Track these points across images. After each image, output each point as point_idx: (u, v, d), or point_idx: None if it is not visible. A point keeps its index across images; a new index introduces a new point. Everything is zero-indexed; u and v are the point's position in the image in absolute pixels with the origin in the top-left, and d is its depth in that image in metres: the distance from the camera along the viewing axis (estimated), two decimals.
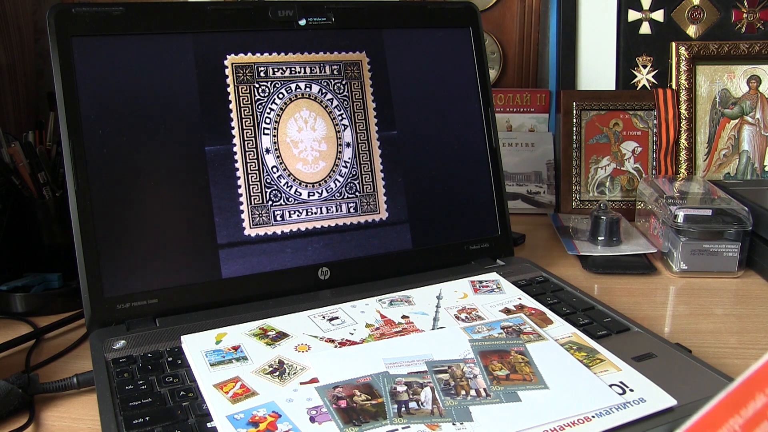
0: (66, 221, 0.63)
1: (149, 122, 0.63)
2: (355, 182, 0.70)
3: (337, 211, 0.68)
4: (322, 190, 0.68)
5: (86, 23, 0.61)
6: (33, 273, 0.74)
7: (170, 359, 0.55)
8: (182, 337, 0.57)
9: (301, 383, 0.50)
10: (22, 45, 1.02)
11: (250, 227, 0.65)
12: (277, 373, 0.51)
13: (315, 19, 0.70)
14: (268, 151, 0.67)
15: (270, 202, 0.66)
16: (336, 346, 0.55)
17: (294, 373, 0.51)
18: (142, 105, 0.63)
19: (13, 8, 1.00)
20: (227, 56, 0.66)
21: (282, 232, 0.67)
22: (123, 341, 0.57)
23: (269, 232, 0.66)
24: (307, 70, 0.69)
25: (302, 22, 0.70)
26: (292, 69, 0.68)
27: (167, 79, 0.64)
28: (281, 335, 0.57)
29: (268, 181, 0.67)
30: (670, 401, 0.48)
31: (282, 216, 0.67)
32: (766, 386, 0.32)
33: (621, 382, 0.50)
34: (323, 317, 0.60)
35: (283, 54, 0.68)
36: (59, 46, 0.60)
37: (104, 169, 0.61)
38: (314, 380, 0.50)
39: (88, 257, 0.60)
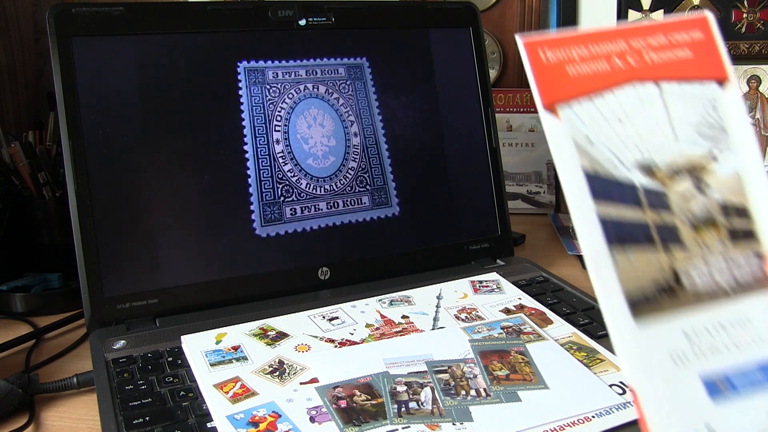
0: (66, 221, 0.63)
1: (149, 122, 0.63)
2: (365, 176, 0.70)
3: (351, 205, 0.69)
4: (332, 185, 0.69)
5: (86, 23, 0.61)
6: (33, 273, 0.74)
7: (170, 359, 0.55)
8: (182, 337, 0.57)
9: (301, 383, 0.50)
10: (22, 45, 1.02)
11: (262, 225, 0.65)
12: (277, 373, 0.51)
13: (315, 19, 0.70)
14: (279, 147, 0.67)
15: (282, 198, 0.66)
16: (336, 346, 0.55)
17: (294, 373, 0.51)
18: (142, 105, 0.63)
19: (13, 8, 1.00)
20: (239, 55, 0.67)
21: (294, 230, 0.67)
22: (123, 341, 0.57)
23: (281, 232, 0.66)
24: (313, 72, 0.69)
25: (302, 22, 0.70)
26: (297, 72, 0.69)
27: (167, 79, 0.64)
28: (281, 335, 0.57)
29: (279, 176, 0.67)
30: None
31: (293, 212, 0.67)
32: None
33: (621, 382, 0.50)
34: (323, 317, 0.60)
35: (291, 62, 0.69)
36: (59, 46, 0.60)
37: (104, 169, 0.61)
38: (314, 380, 0.50)
39: (88, 257, 0.60)
